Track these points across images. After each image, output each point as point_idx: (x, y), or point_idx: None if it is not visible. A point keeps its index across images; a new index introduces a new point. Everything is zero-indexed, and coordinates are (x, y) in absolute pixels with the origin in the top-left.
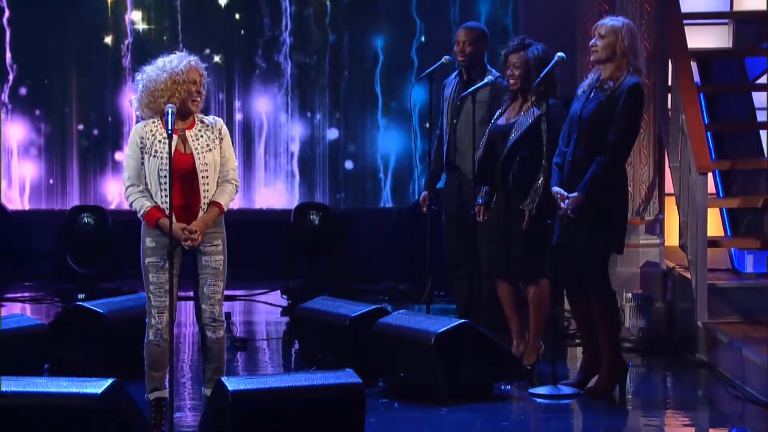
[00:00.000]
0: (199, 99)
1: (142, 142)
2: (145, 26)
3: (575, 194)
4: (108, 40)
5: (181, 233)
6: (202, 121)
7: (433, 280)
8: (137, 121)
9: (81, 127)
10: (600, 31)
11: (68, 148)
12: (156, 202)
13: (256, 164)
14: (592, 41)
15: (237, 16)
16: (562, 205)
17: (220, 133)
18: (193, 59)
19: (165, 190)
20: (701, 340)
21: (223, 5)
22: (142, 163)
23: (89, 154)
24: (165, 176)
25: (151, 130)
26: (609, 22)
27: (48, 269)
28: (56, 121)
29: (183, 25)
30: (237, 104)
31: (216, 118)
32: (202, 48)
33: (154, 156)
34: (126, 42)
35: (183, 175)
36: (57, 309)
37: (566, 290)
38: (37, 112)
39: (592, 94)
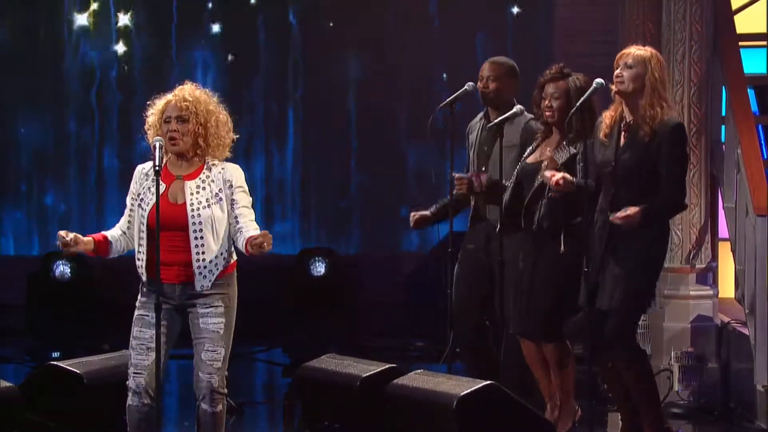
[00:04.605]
0: (177, 138)
1: (134, 188)
2: None
3: (636, 209)
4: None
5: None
6: (210, 169)
7: (455, 336)
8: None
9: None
10: (627, 60)
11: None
12: (107, 234)
13: None
14: (617, 71)
15: None
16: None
17: (230, 186)
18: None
19: (141, 245)
20: (761, 405)
21: None
22: (132, 211)
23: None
24: (143, 230)
25: (148, 175)
26: (636, 51)
27: (17, 324)
28: None
29: None
30: None
31: (228, 165)
32: None
33: (140, 206)
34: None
35: (169, 228)
36: (28, 369)
37: (594, 350)
38: None
39: (623, 140)
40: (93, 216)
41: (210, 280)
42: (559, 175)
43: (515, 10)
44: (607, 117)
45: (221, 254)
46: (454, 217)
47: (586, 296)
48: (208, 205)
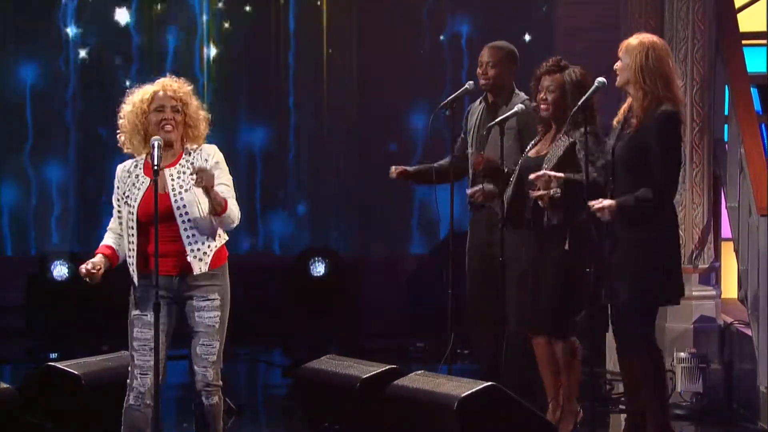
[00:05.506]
0: (173, 126)
1: (118, 188)
2: None
3: (610, 201)
4: None
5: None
6: (189, 153)
7: (456, 337)
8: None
9: None
10: (619, 52)
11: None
12: (111, 244)
13: None
14: (616, 64)
15: None
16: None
17: (206, 163)
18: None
19: (132, 242)
20: (764, 407)
21: None
22: (119, 211)
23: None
24: (132, 226)
25: (130, 172)
26: (628, 41)
27: (16, 324)
28: None
29: None
30: None
31: (204, 145)
32: None
33: (126, 203)
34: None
35: (159, 219)
36: (27, 370)
37: (617, 347)
38: None
39: (621, 128)
40: (93, 213)
41: (206, 262)
42: (542, 193)
43: (527, 37)
44: (626, 104)
45: (212, 234)
46: (430, 184)
47: (593, 292)
48: (189, 188)
